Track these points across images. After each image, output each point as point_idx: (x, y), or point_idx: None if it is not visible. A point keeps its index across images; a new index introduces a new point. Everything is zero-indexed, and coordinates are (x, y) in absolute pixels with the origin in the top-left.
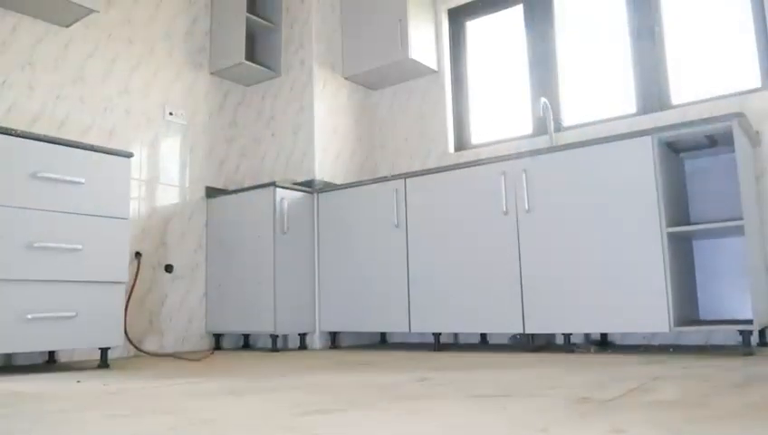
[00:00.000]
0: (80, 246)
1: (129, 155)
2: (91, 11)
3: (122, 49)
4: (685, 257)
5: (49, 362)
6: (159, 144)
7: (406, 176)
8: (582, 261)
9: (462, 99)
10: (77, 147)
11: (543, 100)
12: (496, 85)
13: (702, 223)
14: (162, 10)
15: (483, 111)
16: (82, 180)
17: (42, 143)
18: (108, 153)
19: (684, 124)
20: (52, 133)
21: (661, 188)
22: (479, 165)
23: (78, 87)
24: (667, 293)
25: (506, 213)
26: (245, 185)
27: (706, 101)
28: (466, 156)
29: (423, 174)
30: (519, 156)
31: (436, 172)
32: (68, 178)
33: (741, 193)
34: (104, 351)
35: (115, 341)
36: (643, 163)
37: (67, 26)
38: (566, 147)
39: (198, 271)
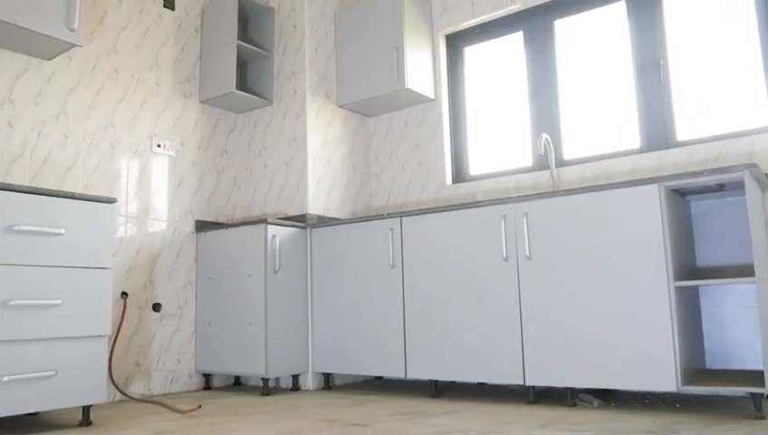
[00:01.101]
0: (59, 301)
1: (112, 201)
2: (72, 45)
3: (107, 80)
4: (691, 303)
5: (31, 415)
6: (147, 178)
7: (402, 214)
8: (585, 313)
9: (460, 128)
10: (56, 196)
11: (545, 136)
12: (495, 114)
13: (710, 268)
14: (149, 38)
15: (481, 141)
16: (62, 231)
17: (18, 194)
18: (90, 200)
19: (693, 174)
20: (34, 172)
21: (669, 240)
22: (478, 207)
23: (60, 123)
24: (674, 350)
25: (506, 259)
26: (237, 216)
27: (714, 139)
28: (465, 189)
29: (419, 213)
30: (520, 199)
31: (434, 212)
32: (47, 229)
33: (752, 242)
34: (86, 407)
35: (98, 397)
36: (650, 212)
37: (49, 59)
38: (569, 192)
39: (188, 308)
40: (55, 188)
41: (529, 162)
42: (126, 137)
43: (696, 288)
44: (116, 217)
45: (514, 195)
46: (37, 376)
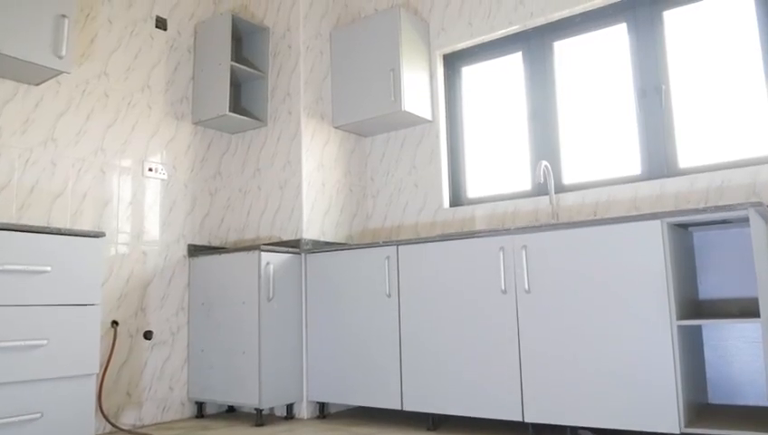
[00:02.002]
0: (45, 341)
1: (100, 235)
2: (60, 72)
3: (97, 104)
4: (693, 337)
5: None
6: (138, 203)
7: (398, 243)
8: (585, 349)
9: (458, 149)
10: (42, 232)
11: (544, 164)
12: (494, 136)
13: (712, 300)
14: (141, 59)
15: (480, 163)
16: (48, 268)
17: (2, 232)
18: (77, 235)
19: (696, 211)
20: (21, 201)
21: (671, 278)
22: (476, 237)
23: (49, 149)
24: (677, 391)
25: (505, 292)
26: (230, 240)
27: (717, 169)
28: (462, 213)
29: (416, 242)
30: (518, 231)
31: (430, 241)
32: (32, 267)
33: (757, 280)
34: None
35: None
36: (652, 248)
37: (37, 84)
38: (569, 225)
39: (180, 335)
40: (41, 224)
41: (528, 186)
42: (116, 162)
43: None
44: (105, 249)
45: (513, 220)
46: (22, 419)
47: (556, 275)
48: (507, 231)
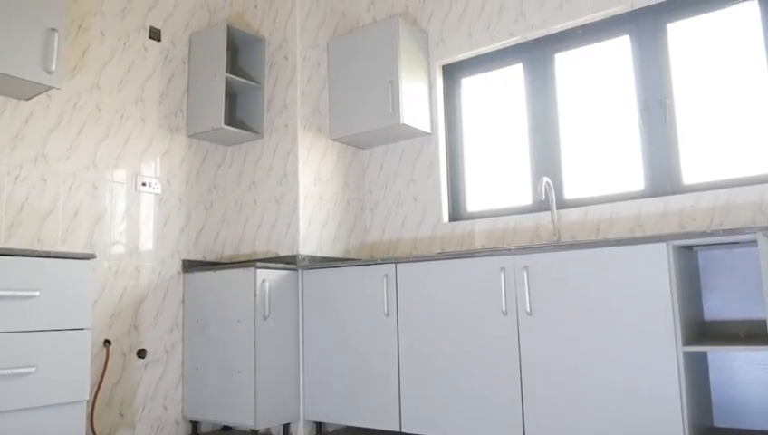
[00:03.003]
0: (33, 368)
1: (90, 257)
2: (49, 87)
3: (90, 118)
4: (699, 362)
5: None
6: (131, 219)
7: (396, 261)
8: (588, 373)
9: (457, 162)
10: (30, 256)
11: (546, 180)
12: (494, 148)
13: (718, 322)
14: (134, 72)
15: (479, 176)
16: (36, 293)
17: None
18: (66, 258)
19: (703, 234)
20: (10, 220)
21: (677, 303)
22: (476, 256)
23: (39, 165)
24: (682, 417)
25: (506, 313)
26: (226, 254)
27: (722, 186)
28: (462, 228)
29: (414, 260)
30: (520, 251)
31: (429, 260)
32: (20, 293)
33: (766, 307)
34: None
35: None
36: (657, 271)
37: (27, 99)
38: (572, 245)
39: (174, 352)
40: (32, 242)
41: (528, 201)
42: (109, 177)
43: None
44: (97, 266)
45: (513, 236)
46: None
47: (559, 298)
48: (508, 251)
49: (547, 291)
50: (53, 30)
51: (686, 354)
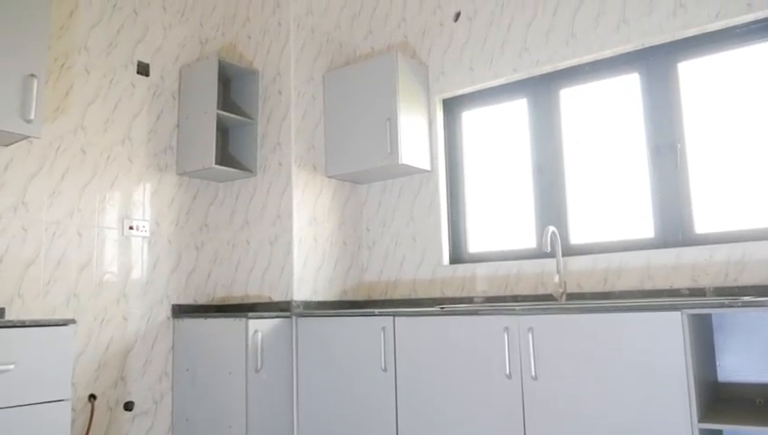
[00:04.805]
0: None
1: (69, 322)
2: (28, 137)
3: (74, 161)
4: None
5: None
6: (118, 265)
7: (395, 314)
8: None
9: (458, 200)
10: (5, 326)
11: (552, 229)
12: (496, 186)
13: (733, 384)
14: (121, 110)
15: (481, 214)
16: (11, 366)
17: None
18: (44, 325)
19: (720, 303)
20: None
21: (692, 374)
22: (479, 315)
23: (19, 214)
24: None
25: (510, 377)
26: (218, 296)
27: (737, 239)
28: (462, 271)
29: (414, 315)
30: (524, 311)
31: (429, 315)
32: None
33: None
34: None
35: None
36: (671, 340)
37: (6, 145)
38: (581, 309)
39: (163, 403)
40: (8, 303)
41: (533, 243)
42: (94, 222)
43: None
44: (79, 322)
45: (516, 283)
46: None
47: (566, 362)
48: (512, 311)
49: (553, 355)
50: (32, 76)
51: (701, 432)
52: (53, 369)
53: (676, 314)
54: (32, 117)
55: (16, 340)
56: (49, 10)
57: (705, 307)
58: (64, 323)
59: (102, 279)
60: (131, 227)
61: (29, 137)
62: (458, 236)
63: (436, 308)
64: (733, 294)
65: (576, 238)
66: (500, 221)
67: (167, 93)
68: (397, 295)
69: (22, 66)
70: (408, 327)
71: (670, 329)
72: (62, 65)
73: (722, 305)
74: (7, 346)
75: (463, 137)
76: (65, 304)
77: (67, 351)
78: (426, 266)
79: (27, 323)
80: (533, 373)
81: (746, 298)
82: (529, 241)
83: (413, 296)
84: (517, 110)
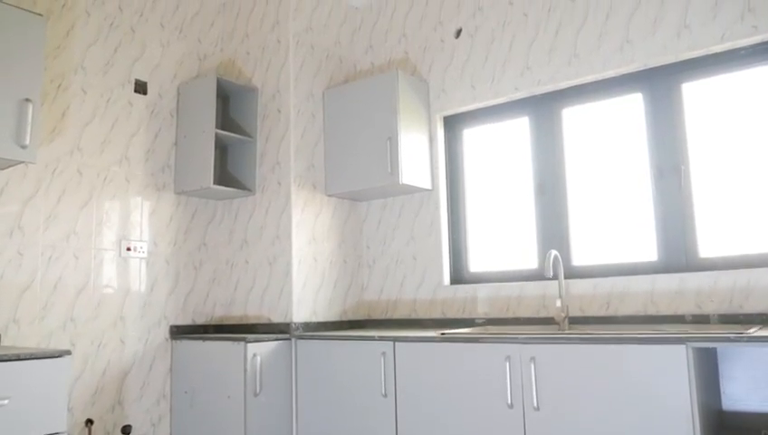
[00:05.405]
0: None
1: (65, 354)
2: (23, 162)
3: (70, 184)
4: None
5: None
6: (115, 287)
7: (395, 339)
8: None
9: (459, 219)
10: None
11: (554, 253)
12: (498, 205)
13: (737, 413)
14: (118, 129)
15: (482, 234)
16: (5, 401)
17: None
18: (38, 358)
19: (726, 338)
20: None
21: (696, 407)
22: (480, 342)
23: (15, 239)
24: None
25: (511, 407)
26: (216, 316)
27: (742, 265)
28: (463, 292)
29: (414, 341)
30: (526, 340)
31: (430, 341)
32: None
33: None
34: None
35: None
36: (676, 373)
37: (2, 169)
38: (584, 340)
39: (161, 426)
40: (4, 329)
41: (534, 264)
42: (91, 245)
43: None
44: (76, 346)
45: (518, 305)
46: None
47: (568, 393)
48: (514, 339)
49: (556, 385)
50: (28, 100)
51: None
52: (49, 401)
53: (681, 348)
54: (27, 142)
55: (10, 374)
56: (44, 34)
57: (710, 341)
58: (59, 354)
59: (99, 302)
60: (129, 249)
61: (24, 162)
62: (459, 255)
63: (437, 334)
64: (738, 322)
65: (578, 260)
66: (501, 240)
67: (165, 112)
68: (397, 315)
69: (17, 91)
70: (409, 353)
71: (675, 362)
72: (59, 86)
73: (727, 340)
74: (1, 380)
75: (464, 155)
76: (62, 329)
77: (62, 383)
78: (426, 286)
79: (22, 356)
80: (535, 404)
81: (752, 331)
82: (531, 261)
83: (413, 317)
84: (519, 128)
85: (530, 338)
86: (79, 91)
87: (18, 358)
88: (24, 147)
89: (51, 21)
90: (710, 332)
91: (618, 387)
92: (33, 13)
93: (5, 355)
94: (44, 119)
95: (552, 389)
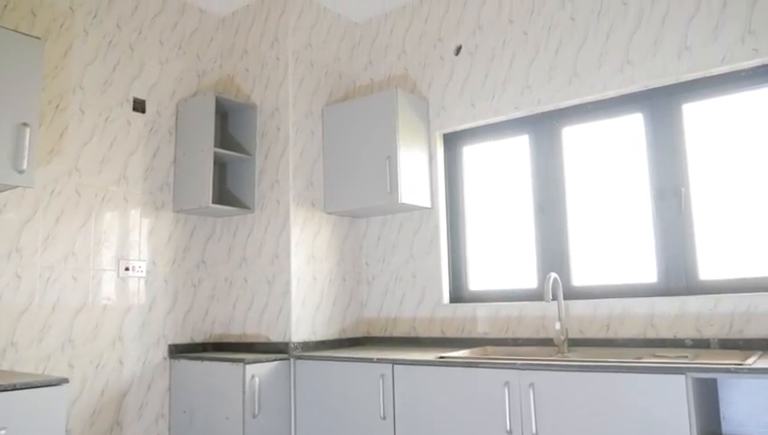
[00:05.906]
0: None
1: (62, 382)
2: (20, 187)
3: (68, 205)
4: None
5: None
6: (113, 307)
7: (394, 362)
8: None
9: (459, 237)
10: None
11: (554, 276)
12: (497, 223)
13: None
14: (117, 148)
15: (482, 252)
16: (2, 432)
17: None
18: (35, 387)
19: (727, 370)
20: None
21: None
22: (479, 367)
23: (13, 261)
24: None
25: (510, 432)
26: (215, 333)
27: (743, 289)
28: (463, 311)
29: (413, 364)
30: (526, 366)
31: (428, 365)
32: None
33: None
34: None
35: None
36: (675, 403)
37: None
38: (584, 368)
39: None
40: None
41: (534, 283)
42: (89, 265)
43: None
44: (74, 367)
45: (518, 325)
46: None
47: (568, 420)
48: (513, 365)
49: (555, 412)
50: (25, 124)
51: None
52: (47, 430)
53: (681, 378)
54: (24, 167)
55: (6, 403)
56: (42, 57)
57: (710, 371)
58: (57, 382)
59: (98, 323)
60: (127, 268)
61: (21, 187)
62: (459, 273)
63: (436, 358)
64: (738, 347)
65: (578, 280)
66: (501, 259)
67: (163, 129)
68: (396, 333)
69: (14, 115)
70: (408, 375)
71: (674, 391)
72: (57, 106)
73: (727, 371)
74: None
75: (464, 172)
76: (60, 351)
77: (60, 410)
78: (426, 305)
79: (18, 386)
80: (534, 430)
81: (751, 360)
82: (530, 280)
83: (412, 335)
84: (519, 146)
85: (529, 365)
86: (77, 111)
87: (14, 388)
88: (21, 172)
89: (49, 41)
90: (710, 362)
91: (617, 415)
92: (31, 36)
93: (2, 385)
94: (42, 140)
95: (551, 415)
